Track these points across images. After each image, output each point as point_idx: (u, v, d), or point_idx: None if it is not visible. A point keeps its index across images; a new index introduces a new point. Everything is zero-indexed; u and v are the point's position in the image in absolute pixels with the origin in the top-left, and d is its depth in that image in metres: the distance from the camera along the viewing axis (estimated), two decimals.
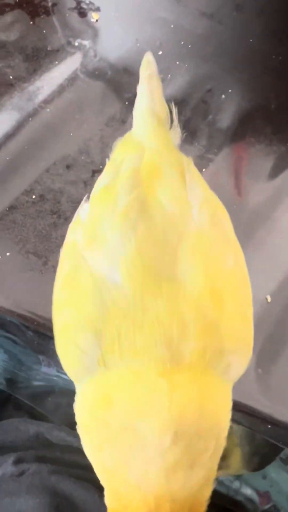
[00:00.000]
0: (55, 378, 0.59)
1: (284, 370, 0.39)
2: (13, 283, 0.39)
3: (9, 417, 0.56)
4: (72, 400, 0.59)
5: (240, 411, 0.38)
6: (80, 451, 0.54)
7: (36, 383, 0.63)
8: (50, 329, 0.38)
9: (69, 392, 0.62)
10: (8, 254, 0.40)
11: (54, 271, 0.40)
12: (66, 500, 0.41)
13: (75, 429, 0.53)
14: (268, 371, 0.39)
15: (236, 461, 0.47)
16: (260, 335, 0.39)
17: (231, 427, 0.46)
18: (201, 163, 0.45)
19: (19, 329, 0.40)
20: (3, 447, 0.50)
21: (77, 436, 0.51)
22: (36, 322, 0.38)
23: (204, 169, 0.44)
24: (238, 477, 0.53)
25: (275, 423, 0.38)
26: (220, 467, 0.45)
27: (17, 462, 0.48)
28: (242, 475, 0.53)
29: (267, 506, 0.52)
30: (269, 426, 0.38)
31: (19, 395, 0.58)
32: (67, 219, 0.41)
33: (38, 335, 0.39)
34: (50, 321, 0.38)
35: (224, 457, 0.45)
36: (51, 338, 0.37)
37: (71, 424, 0.54)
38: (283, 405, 0.38)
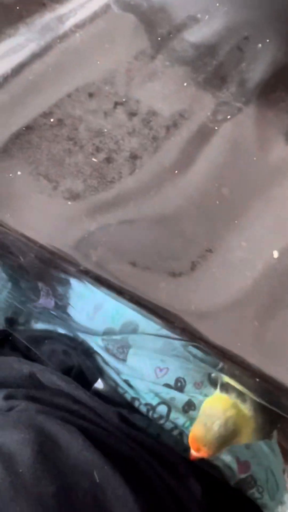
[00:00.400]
0: (52, 314, 0.60)
1: (281, 327, 0.39)
2: (21, 202, 0.38)
3: (4, 355, 0.56)
4: (68, 348, 0.60)
5: (230, 359, 0.37)
6: (69, 396, 0.55)
7: (36, 326, 0.63)
8: (52, 253, 0.38)
9: (66, 339, 0.63)
10: (19, 173, 0.39)
11: (63, 197, 0.40)
12: (50, 440, 0.42)
13: (67, 375, 0.54)
14: (264, 326, 0.38)
15: (248, 433, 0.47)
16: (262, 289, 0.39)
17: (245, 399, 0.47)
18: (227, 110, 0.43)
19: (21, 250, 0.39)
20: None
21: (68, 382, 0.52)
22: (38, 244, 0.38)
23: (229, 117, 0.43)
24: None
25: (263, 378, 0.38)
26: (233, 438, 0.45)
27: (7, 398, 0.49)
28: None
29: (244, 475, 0.52)
30: (257, 380, 0.38)
31: (18, 334, 0.59)
32: (82, 148, 0.41)
33: (39, 259, 0.38)
34: (52, 245, 0.38)
35: (238, 429, 0.45)
36: (51, 262, 0.36)
37: (64, 371, 0.55)
38: (273, 361, 0.38)
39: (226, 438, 0.45)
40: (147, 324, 0.57)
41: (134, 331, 0.57)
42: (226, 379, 0.52)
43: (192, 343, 0.37)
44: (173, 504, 0.42)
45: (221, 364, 0.56)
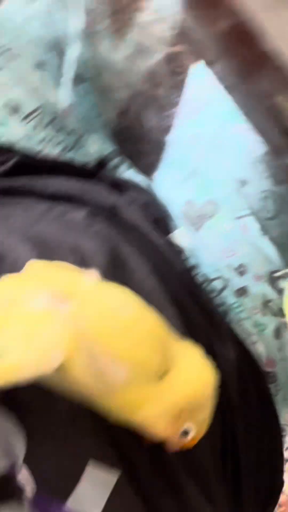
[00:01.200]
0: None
1: None
2: None
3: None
4: (149, 201, 0.64)
5: None
6: (144, 234, 0.53)
7: (124, 174, 0.64)
8: None
9: (149, 194, 0.65)
10: None
11: None
12: (122, 257, 0.47)
13: None
14: None
15: None
16: None
17: None
18: None
19: None
20: None
21: (146, 222, 0.56)
22: None
23: None
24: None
25: None
26: None
27: (90, 215, 0.53)
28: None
29: (269, 369, 0.54)
30: None
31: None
32: None
33: None
34: None
35: None
36: None
37: None
38: None
39: None
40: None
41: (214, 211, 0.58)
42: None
43: None
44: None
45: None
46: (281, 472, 0.50)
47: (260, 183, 0.57)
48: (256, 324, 0.55)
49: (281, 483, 0.50)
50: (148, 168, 0.64)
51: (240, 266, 0.56)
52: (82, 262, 0.41)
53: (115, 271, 0.42)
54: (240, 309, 0.55)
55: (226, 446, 0.44)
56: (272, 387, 0.53)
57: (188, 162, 0.61)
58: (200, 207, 0.58)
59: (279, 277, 0.56)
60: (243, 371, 0.49)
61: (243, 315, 0.55)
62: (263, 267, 0.56)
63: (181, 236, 0.58)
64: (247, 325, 0.55)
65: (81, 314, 0.31)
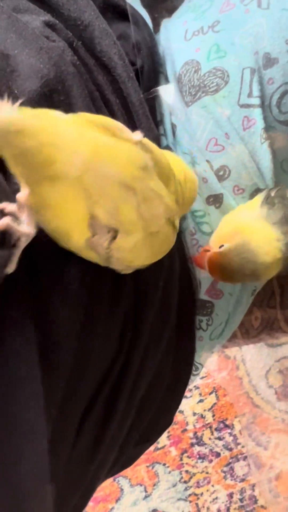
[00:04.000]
0: None
1: None
2: None
3: None
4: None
5: None
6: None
7: None
8: None
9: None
10: None
11: None
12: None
13: None
14: None
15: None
16: None
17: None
18: None
19: None
20: None
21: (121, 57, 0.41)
22: None
23: None
24: None
25: None
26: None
27: (48, 25, 0.38)
28: None
29: (208, 298, 0.45)
30: None
31: None
32: None
33: None
34: None
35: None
36: None
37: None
38: None
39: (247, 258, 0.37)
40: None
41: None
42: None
43: None
44: None
45: None
46: (172, 412, 0.43)
47: None
48: None
49: (168, 423, 0.43)
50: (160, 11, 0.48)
51: (222, 168, 0.43)
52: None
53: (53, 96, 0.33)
54: (203, 219, 0.44)
55: (113, 367, 0.36)
56: (203, 320, 0.44)
57: (212, 10, 0.44)
58: (203, 75, 0.43)
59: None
60: (170, 289, 0.39)
61: (204, 228, 0.44)
62: (250, 179, 0.43)
63: (167, 92, 0.44)
64: (203, 242, 0.44)
65: None
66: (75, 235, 0.29)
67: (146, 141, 0.33)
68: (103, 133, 0.30)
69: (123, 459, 0.41)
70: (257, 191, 0.43)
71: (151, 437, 0.43)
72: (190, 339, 0.42)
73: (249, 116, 0.42)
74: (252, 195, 0.43)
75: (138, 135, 0.32)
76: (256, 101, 0.42)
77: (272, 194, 0.39)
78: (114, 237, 0.30)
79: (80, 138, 0.28)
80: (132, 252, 0.31)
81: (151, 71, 0.43)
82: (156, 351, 0.39)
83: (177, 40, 0.45)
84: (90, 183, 0.28)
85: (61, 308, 0.32)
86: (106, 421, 0.36)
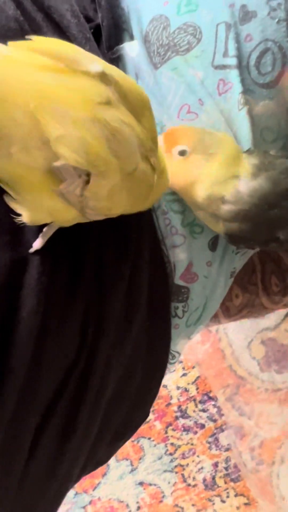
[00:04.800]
0: None
1: None
2: None
3: None
4: None
5: None
6: None
7: None
8: None
9: None
10: None
11: None
12: None
13: None
14: None
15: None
16: None
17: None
18: None
19: None
20: None
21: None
22: None
23: None
24: None
25: None
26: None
27: None
28: None
29: (183, 284, 0.41)
30: None
31: None
32: None
33: None
34: None
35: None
36: None
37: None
38: None
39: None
40: None
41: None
42: None
43: None
44: None
45: None
46: (148, 406, 0.40)
47: (269, 24, 0.37)
48: (190, 224, 0.40)
49: (144, 416, 0.40)
50: None
51: None
52: None
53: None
54: (174, 196, 0.40)
55: (73, 370, 0.32)
56: (179, 306, 0.41)
57: None
58: (172, 32, 0.38)
59: None
60: (138, 277, 0.35)
61: (175, 207, 0.40)
62: None
63: (132, 50, 0.39)
64: (176, 221, 0.39)
65: None
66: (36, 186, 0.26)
67: (109, 70, 0.29)
68: (51, 68, 0.26)
69: (97, 459, 0.38)
70: None
71: (126, 433, 0.40)
72: (165, 329, 0.39)
73: (225, 78, 0.37)
74: None
75: (96, 65, 0.28)
76: (232, 61, 0.37)
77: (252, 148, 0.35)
78: (87, 182, 0.26)
79: (20, 85, 0.25)
80: (109, 198, 0.28)
81: (112, 29, 0.38)
82: (125, 346, 0.35)
83: None
84: (46, 122, 0.25)
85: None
86: (68, 431, 0.32)
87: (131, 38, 0.40)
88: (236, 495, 1.06)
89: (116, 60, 0.38)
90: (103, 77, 0.28)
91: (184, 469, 1.05)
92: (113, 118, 0.27)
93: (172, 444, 1.04)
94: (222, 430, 1.06)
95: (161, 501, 1.05)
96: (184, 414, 1.05)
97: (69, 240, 0.30)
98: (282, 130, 0.39)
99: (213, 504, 1.06)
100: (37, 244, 0.29)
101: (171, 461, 1.04)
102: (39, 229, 0.29)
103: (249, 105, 0.37)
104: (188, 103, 0.38)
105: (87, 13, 0.38)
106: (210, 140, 0.34)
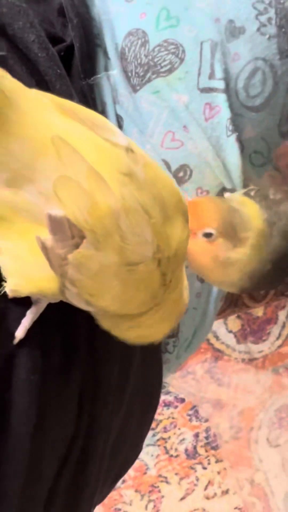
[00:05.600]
0: None
1: None
2: None
3: None
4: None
5: None
6: None
7: None
8: None
9: None
10: None
11: None
12: None
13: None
14: None
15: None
16: None
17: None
18: None
19: None
20: None
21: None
22: None
23: None
24: None
25: None
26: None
27: None
28: None
29: None
30: None
31: None
32: None
33: None
34: None
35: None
36: None
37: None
38: None
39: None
40: None
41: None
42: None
43: None
44: None
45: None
46: (142, 442, 0.39)
47: (258, 41, 0.33)
48: None
49: (138, 452, 0.40)
50: None
51: (182, 168, 0.36)
52: None
53: None
54: None
55: (75, 438, 0.31)
56: (169, 342, 0.39)
57: None
58: (152, 50, 0.34)
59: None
60: None
61: None
62: (214, 179, 0.36)
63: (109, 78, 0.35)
64: None
65: None
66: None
67: (138, 152, 0.25)
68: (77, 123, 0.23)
69: (98, 502, 0.37)
70: (223, 191, 0.37)
71: (124, 472, 0.39)
72: (156, 369, 0.37)
73: (211, 102, 0.34)
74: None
75: (123, 138, 0.25)
76: (219, 84, 0.34)
77: (252, 193, 0.33)
78: (77, 246, 0.23)
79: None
80: (95, 278, 0.24)
81: (85, 47, 0.34)
82: (123, 402, 0.33)
83: (116, 0, 0.35)
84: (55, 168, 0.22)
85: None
86: (79, 488, 0.31)
87: (105, 55, 0.35)
88: (216, 462, 1.10)
89: (90, 85, 0.34)
90: (130, 154, 0.24)
91: (166, 442, 1.08)
92: (132, 196, 0.23)
93: (153, 419, 1.07)
94: (202, 403, 1.09)
95: (145, 473, 1.08)
96: (164, 390, 1.07)
97: (59, 313, 0.28)
98: (272, 153, 0.37)
99: (195, 471, 1.10)
100: (20, 333, 0.26)
101: (153, 435, 1.07)
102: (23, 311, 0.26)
103: (238, 132, 0.35)
104: (172, 130, 0.35)
105: (55, 32, 0.34)
106: (239, 221, 0.30)
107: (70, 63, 0.34)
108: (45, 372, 0.27)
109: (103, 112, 0.35)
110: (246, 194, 0.34)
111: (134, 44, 0.34)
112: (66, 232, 0.22)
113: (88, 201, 0.22)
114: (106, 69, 0.34)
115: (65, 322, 0.28)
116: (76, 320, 0.29)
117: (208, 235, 0.30)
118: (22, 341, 0.26)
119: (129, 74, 0.35)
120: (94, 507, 0.36)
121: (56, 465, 0.29)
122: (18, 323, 0.26)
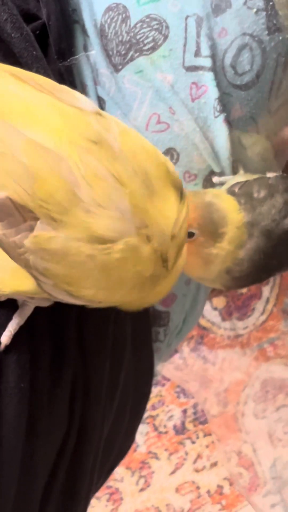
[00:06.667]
0: None
1: None
2: None
3: None
4: None
5: None
6: None
7: None
8: None
9: None
10: None
11: None
12: None
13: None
14: None
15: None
16: None
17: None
18: None
19: None
20: None
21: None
22: None
23: None
24: None
25: None
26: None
27: None
28: None
29: (163, 309, 0.38)
30: None
31: None
32: None
33: None
34: None
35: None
36: None
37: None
38: None
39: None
40: None
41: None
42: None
43: None
44: None
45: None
46: (134, 433, 0.39)
47: (246, 15, 0.32)
48: None
49: (131, 443, 0.39)
50: None
51: (169, 151, 0.34)
52: None
53: None
54: None
55: (67, 440, 0.30)
56: (160, 331, 0.38)
57: None
58: (133, 26, 0.32)
59: (217, 185, 0.36)
60: (120, 331, 0.32)
61: None
62: (202, 162, 0.35)
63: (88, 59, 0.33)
64: None
65: None
66: None
67: (111, 118, 0.23)
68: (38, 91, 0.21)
69: (93, 493, 0.37)
70: (211, 174, 0.35)
71: (117, 463, 0.39)
72: (148, 359, 0.36)
73: (197, 81, 0.33)
74: (206, 181, 0.35)
75: (91, 104, 0.23)
76: (206, 62, 0.32)
77: (236, 190, 0.32)
78: (32, 230, 0.20)
79: None
80: (64, 263, 0.20)
81: (61, 24, 0.31)
82: (114, 396, 0.33)
83: None
84: None
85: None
86: (75, 483, 0.31)
87: (84, 31, 0.33)
88: (205, 436, 1.12)
89: (69, 66, 0.32)
90: (100, 120, 0.22)
91: (155, 419, 1.09)
92: (98, 164, 0.21)
93: None
94: (189, 380, 1.10)
95: (135, 451, 1.09)
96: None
97: (47, 314, 0.26)
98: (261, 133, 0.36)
99: (184, 446, 1.12)
100: (5, 338, 0.24)
101: None
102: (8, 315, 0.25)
103: (225, 112, 0.33)
104: (157, 112, 0.33)
105: (29, 8, 0.31)
106: (216, 216, 0.29)
107: (47, 43, 0.32)
108: (35, 376, 0.25)
109: (83, 94, 0.33)
110: (230, 191, 0.32)
111: (115, 20, 0.32)
112: (15, 215, 0.20)
113: (30, 176, 0.19)
114: (85, 48, 0.32)
115: (54, 322, 0.27)
116: (65, 318, 0.28)
117: (190, 235, 0.29)
118: (9, 346, 0.24)
119: (110, 52, 0.33)
120: (90, 500, 0.36)
121: (50, 465, 0.28)
122: (4, 328, 0.25)
